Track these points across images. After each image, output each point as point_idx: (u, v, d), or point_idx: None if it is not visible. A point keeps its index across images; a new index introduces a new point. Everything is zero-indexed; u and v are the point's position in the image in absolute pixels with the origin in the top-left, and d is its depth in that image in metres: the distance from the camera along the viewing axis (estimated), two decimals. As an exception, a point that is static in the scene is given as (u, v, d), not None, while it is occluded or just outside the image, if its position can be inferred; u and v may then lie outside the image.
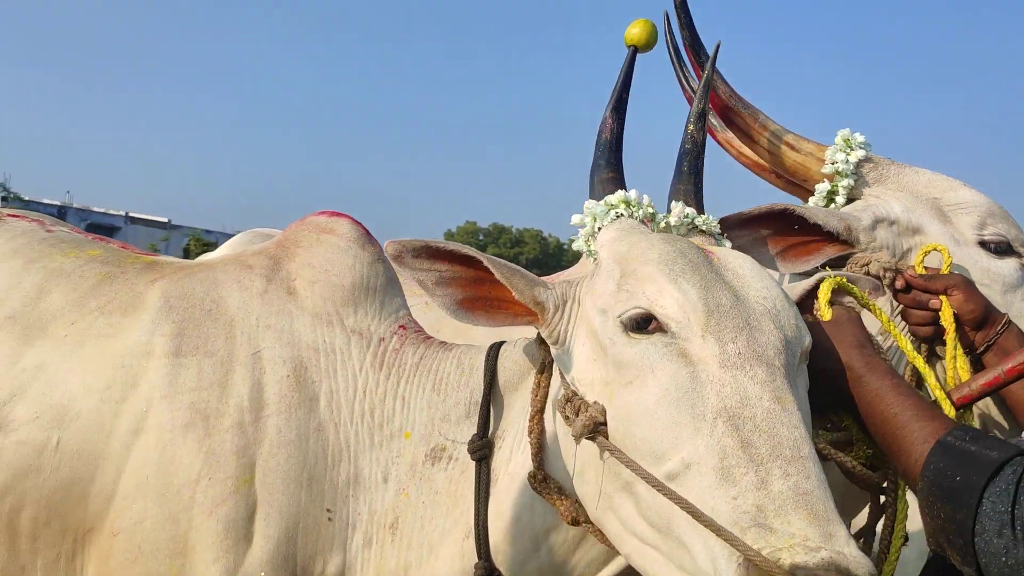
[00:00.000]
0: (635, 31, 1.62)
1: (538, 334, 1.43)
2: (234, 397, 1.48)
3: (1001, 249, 1.67)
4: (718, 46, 1.69)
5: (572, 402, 1.26)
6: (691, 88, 1.94)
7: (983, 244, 1.67)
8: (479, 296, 1.39)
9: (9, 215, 1.97)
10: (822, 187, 1.77)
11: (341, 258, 1.63)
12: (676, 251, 1.28)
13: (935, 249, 1.59)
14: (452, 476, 1.46)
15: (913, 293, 1.53)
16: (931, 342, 1.56)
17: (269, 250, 1.70)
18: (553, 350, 1.38)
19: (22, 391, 1.53)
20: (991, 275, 1.64)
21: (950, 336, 1.44)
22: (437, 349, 1.59)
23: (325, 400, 1.51)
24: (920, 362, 1.40)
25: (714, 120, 1.94)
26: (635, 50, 1.62)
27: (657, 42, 1.65)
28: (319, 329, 1.57)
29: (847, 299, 1.47)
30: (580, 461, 1.27)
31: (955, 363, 1.43)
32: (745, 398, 1.12)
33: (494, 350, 1.53)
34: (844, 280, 1.45)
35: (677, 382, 1.16)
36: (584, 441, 1.23)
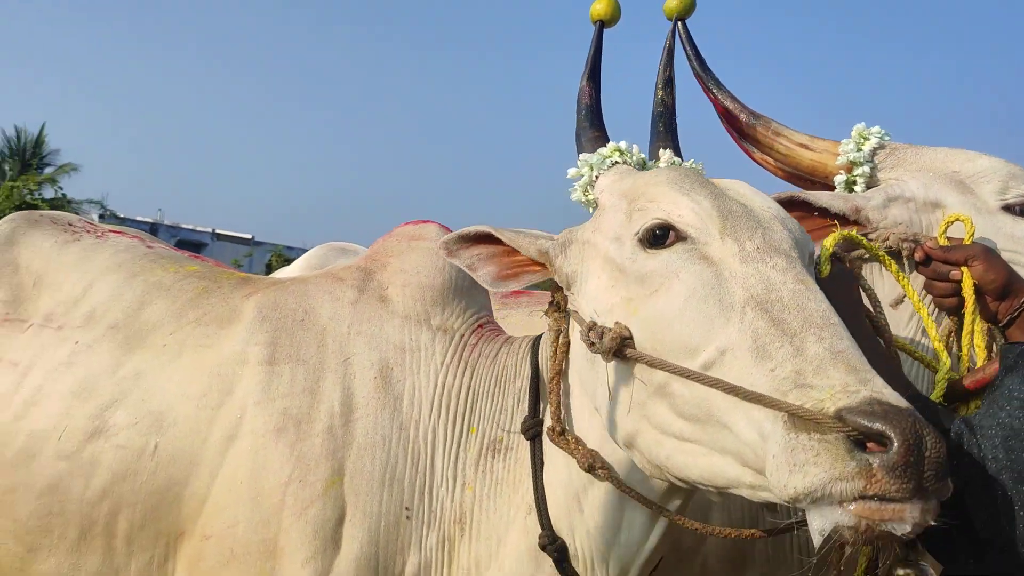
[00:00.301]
0: (599, 7, 1.75)
1: (549, 303, 1.53)
2: (325, 402, 1.55)
3: None
4: (675, 22, 1.79)
5: (595, 329, 1.29)
6: (707, 89, 2.00)
7: (1008, 208, 1.64)
8: (508, 266, 1.50)
9: (111, 231, 2.12)
10: (840, 179, 1.80)
11: (432, 260, 1.72)
12: (681, 173, 1.38)
13: (958, 219, 1.56)
14: (509, 465, 1.53)
15: (933, 265, 1.51)
16: (957, 313, 1.51)
17: (360, 264, 1.79)
18: (568, 298, 1.46)
19: (123, 397, 1.63)
20: (1017, 240, 1.62)
21: (969, 308, 1.42)
22: (505, 345, 1.67)
23: (408, 398, 1.58)
24: (929, 322, 1.44)
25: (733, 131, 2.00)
26: (601, 24, 1.75)
27: (621, 16, 1.76)
28: (407, 329, 1.64)
29: (856, 253, 1.50)
30: (610, 384, 1.31)
31: (971, 339, 1.42)
32: (770, 284, 1.16)
33: (537, 340, 1.62)
34: (854, 233, 1.49)
35: (703, 280, 1.20)
36: (612, 364, 1.28)
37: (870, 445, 0.95)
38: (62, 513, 1.61)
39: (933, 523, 0.94)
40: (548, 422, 1.45)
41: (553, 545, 1.43)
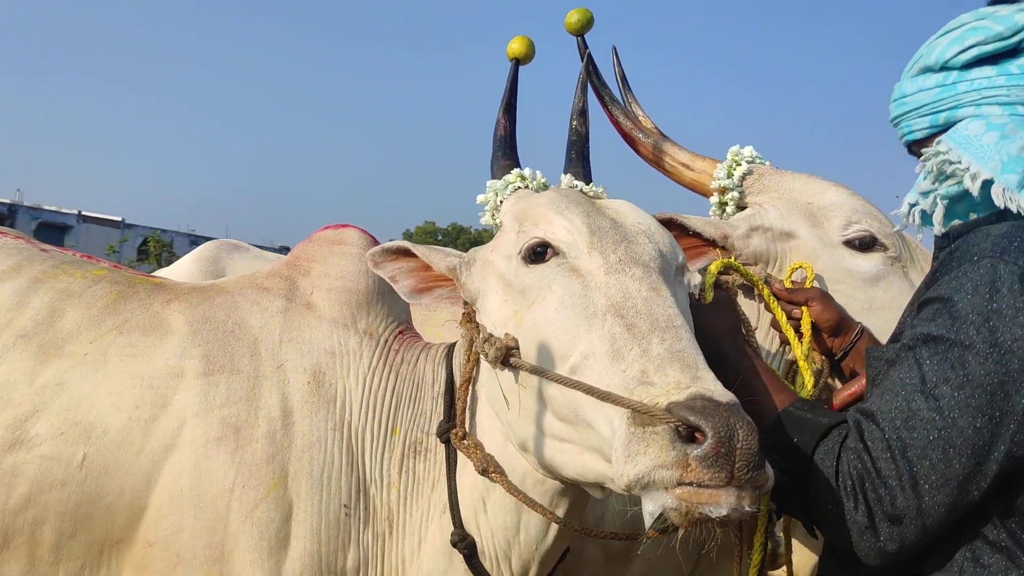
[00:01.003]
0: (514, 46, 1.87)
1: (462, 317, 1.62)
2: (263, 409, 1.60)
3: (866, 244, 1.82)
4: (588, 54, 1.92)
5: (489, 340, 1.43)
6: (612, 114, 2.14)
7: (848, 243, 1.83)
8: (424, 280, 1.61)
9: None
10: (714, 199, 1.99)
11: (355, 265, 1.80)
12: (561, 195, 1.52)
13: (800, 267, 1.78)
14: (428, 466, 1.63)
15: (780, 304, 1.72)
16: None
17: (282, 271, 1.83)
18: (473, 310, 1.57)
19: (44, 408, 1.61)
20: (852, 274, 1.81)
21: (805, 340, 1.64)
22: (424, 351, 1.76)
23: (340, 400, 1.65)
24: (791, 333, 1.63)
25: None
26: (516, 62, 1.86)
27: (535, 55, 1.87)
28: (336, 333, 1.71)
29: (732, 277, 1.68)
30: (504, 391, 1.44)
31: (803, 363, 1.60)
32: (627, 293, 1.31)
33: (452, 347, 1.72)
34: (732, 260, 1.68)
35: (571, 291, 1.35)
36: (505, 373, 1.41)
37: (697, 435, 1.09)
38: None
39: (751, 509, 1.09)
40: (456, 427, 1.57)
41: (463, 542, 1.54)
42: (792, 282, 1.79)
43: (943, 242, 1.38)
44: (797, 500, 1.29)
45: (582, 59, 1.96)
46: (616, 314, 1.29)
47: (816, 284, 1.79)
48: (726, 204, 1.96)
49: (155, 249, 17.24)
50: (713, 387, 1.15)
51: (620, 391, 1.19)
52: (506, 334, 1.42)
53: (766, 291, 1.69)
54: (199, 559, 1.52)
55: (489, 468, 1.49)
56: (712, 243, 1.79)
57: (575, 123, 1.79)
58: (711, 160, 2.01)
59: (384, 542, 1.59)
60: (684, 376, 1.17)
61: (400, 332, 1.79)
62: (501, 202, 1.64)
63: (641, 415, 1.13)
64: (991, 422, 1.12)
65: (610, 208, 1.52)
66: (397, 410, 1.67)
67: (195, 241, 38.84)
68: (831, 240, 1.85)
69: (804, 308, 1.66)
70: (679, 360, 1.19)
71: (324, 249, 1.85)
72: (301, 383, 1.63)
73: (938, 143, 1.37)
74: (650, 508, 1.11)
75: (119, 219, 37.18)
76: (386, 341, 1.74)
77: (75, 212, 36.65)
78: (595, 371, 1.25)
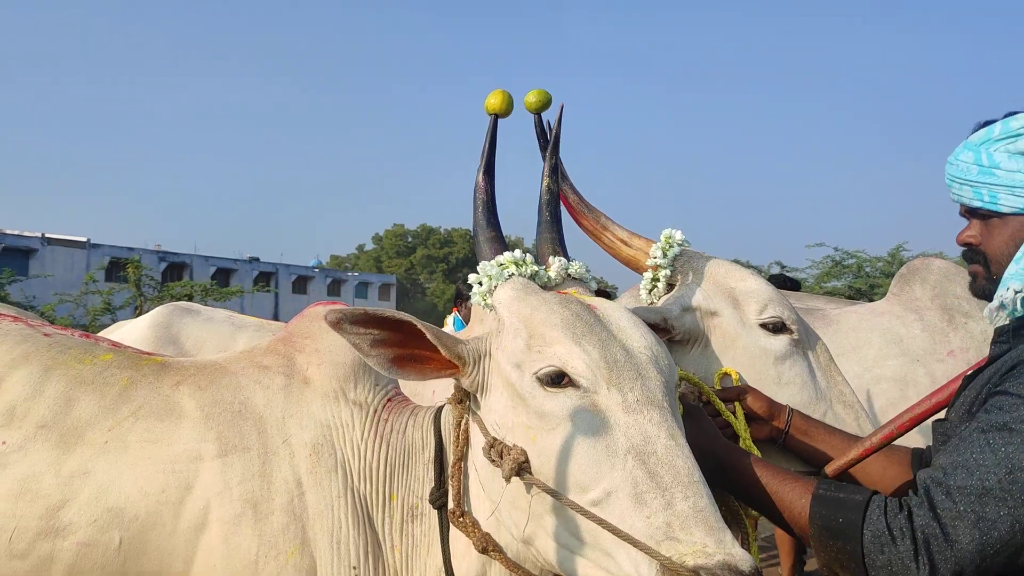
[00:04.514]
0: (493, 101, 1.85)
1: (452, 395, 1.68)
2: (276, 482, 1.71)
3: (776, 327, 2.05)
4: (561, 108, 1.99)
5: (495, 447, 1.50)
6: (562, 188, 2.24)
7: (763, 325, 2.05)
8: (408, 354, 1.59)
9: None
10: (647, 275, 2.16)
11: (341, 340, 1.79)
12: (574, 315, 1.54)
13: (727, 373, 1.99)
14: (424, 529, 1.74)
15: (711, 404, 1.90)
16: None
17: (279, 348, 1.94)
18: (476, 400, 1.62)
19: (73, 497, 1.72)
20: (765, 351, 2.03)
21: (744, 429, 1.83)
22: (411, 417, 1.82)
23: (340, 469, 1.74)
24: (741, 426, 1.81)
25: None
26: (495, 117, 1.86)
27: (514, 108, 1.91)
28: (328, 407, 1.81)
29: (684, 384, 1.84)
30: (509, 493, 1.50)
31: (754, 450, 1.80)
32: (647, 437, 1.39)
33: (439, 412, 1.80)
34: (693, 377, 1.87)
35: (593, 427, 1.42)
36: (513, 478, 1.47)
37: None
38: None
39: None
40: (450, 504, 1.67)
41: None
42: (721, 385, 1.99)
43: (1004, 336, 1.55)
44: (854, 572, 1.42)
45: (538, 135, 2.08)
46: (637, 458, 1.37)
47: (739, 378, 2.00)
48: (658, 281, 2.14)
49: (135, 275, 17.21)
50: (735, 552, 1.26)
51: (644, 538, 1.30)
52: (515, 446, 1.48)
53: (711, 393, 1.86)
54: None
55: (488, 547, 1.57)
56: (655, 326, 1.94)
57: (547, 181, 1.84)
58: (646, 239, 2.19)
59: None
60: (710, 539, 1.27)
61: (388, 400, 1.88)
62: (495, 287, 1.67)
63: (669, 571, 1.25)
64: None
65: (613, 324, 1.57)
66: (391, 478, 1.78)
67: (163, 257, 38.54)
68: (749, 321, 2.06)
69: (737, 404, 1.85)
70: (703, 521, 1.30)
71: (315, 325, 1.95)
72: (304, 455, 1.76)
73: None
74: None
75: (84, 239, 36.75)
76: (375, 411, 1.84)
77: (39, 235, 36.12)
78: (618, 511, 1.35)
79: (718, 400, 1.83)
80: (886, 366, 3.44)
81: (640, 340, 1.56)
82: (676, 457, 1.39)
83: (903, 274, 3.79)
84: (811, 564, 7.20)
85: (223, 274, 41.42)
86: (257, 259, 45.72)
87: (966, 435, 1.41)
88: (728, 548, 1.27)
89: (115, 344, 2.13)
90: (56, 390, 1.86)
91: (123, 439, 1.79)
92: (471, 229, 1.85)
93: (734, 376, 1.99)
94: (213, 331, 3.54)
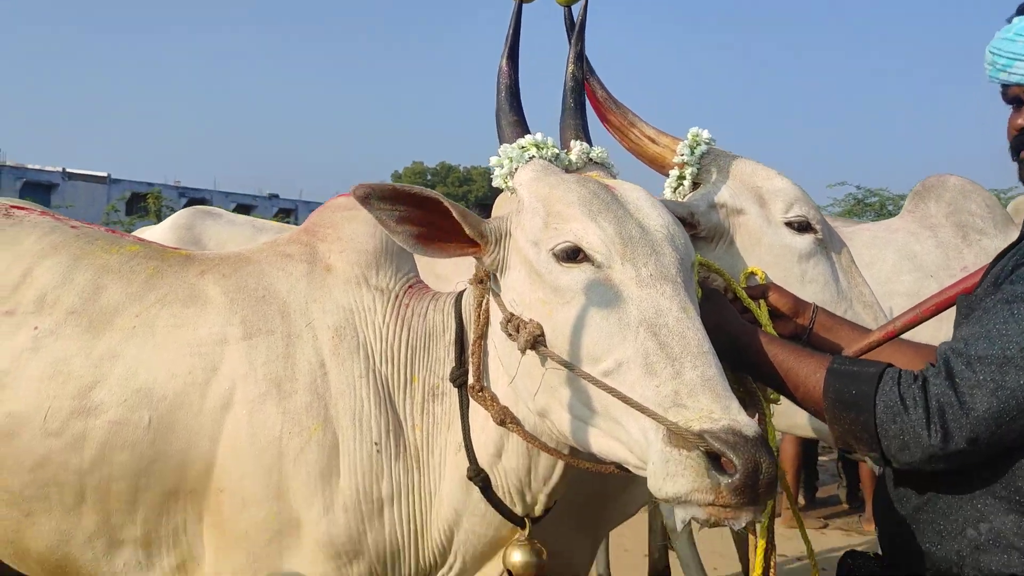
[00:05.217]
0: None
1: (473, 276, 1.72)
2: (299, 363, 1.77)
3: (802, 227, 2.07)
4: (586, 1, 1.95)
5: (512, 322, 1.54)
6: (590, 83, 2.22)
7: (788, 224, 2.07)
8: (432, 232, 1.61)
9: (12, 207, 2.15)
10: (673, 173, 2.16)
11: (363, 228, 1.92)
12: (591, 192, 1.57)
13: (753, 272, 2.00)
14: (445, 408, 1.79)
15: (738, 299, 1.89)
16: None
17: (301, 238, 1.98)
18: (496, 280, 1.65)
19: (103, 379, 1.79)
20: (790, 249, 2.06)
21: (766, 322, 1.82)
22: (432, 302, 1.87)
23: (363, 352, 1.80)
24: (765, 318, 1.81)
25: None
26: (520, 2, 1.85)
27: None
28: (350, 292, 1.86)
29: (703, 270, 1.84)
30: (524, 366, 1.56)
31: None
32: (659, 310, 1.43)
33: (459, 297, 1.86)
34: (714, 264, 1.87)
35: (607, 300, 1.46)
36: (528, 351, 1.52)
37: (723, 461, 1.28)
38: (57, 483, 1.79)
39: (762, 519, 1.33)
40: (470, 379, 1.71)
41: (478, 477, 1.72)
42: (747, 283, 2.00)
43: None
44: (868, 442, 1.44)
45: (567, 29, 2.05)
46: (649, 330, 1.41)
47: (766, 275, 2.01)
48: (684, 179, 2.14)
49: (155, 206, 17.37)
50: (740, 418, 1.29)
51: (653, 406, 1.33)
52: (532, 320, 1.52)
53: (737, 286, 1.87)
54: (262, 499, 1.73)
55: (507, 420, 1.63)
56: (681, 220, 1.97)
57: (572, 68, 1.83)
58: (673, 138, 2.18)
59: (413, 475, 1.78)
60: (716, 406, 1.30)
61: (410, 286, 1.94)
62: (515, 168, 1.70)
63: (675, 435, 1.28)
64: None
65: (631, 203, 1.59)
66: (413, 360, 1.83)
67: (183, 193, 38.67)
68: (774, 220, 2.08)
69: (762, 301, 1.85)
70: (710, 389, 1.33)
71: (337, 215, 2.00)
72: (327, 338, 1.81)
73: None
74: (681, 515, 1.30)
75: (105, 175, 36.92)
76: (397, 296, 1.89)
77: (59, 169, 36.32)
78: (628, 380, 1.39)
79: (743, 292, 1.84)
80: (900, 282, 3.45)
81: (657, 219, 1.58)
82: (687, 329, 1.41)
83: (918, 191, 3.76)
84: (823, 491, 7.32)
85: (243, 210, 41.23)
86: (277, 196, 45.82)
87: (990, 306, 1.41)
88: (734, 415, 1.30)
89: (140, 239, 2.17)
90: (85, 278, 1.92)
91: (150, 324, 1.84)
92: (494, 115, 1.83)
93: (760, 275, 2.00)
94: (235, 233, 3.58)
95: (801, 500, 6.76)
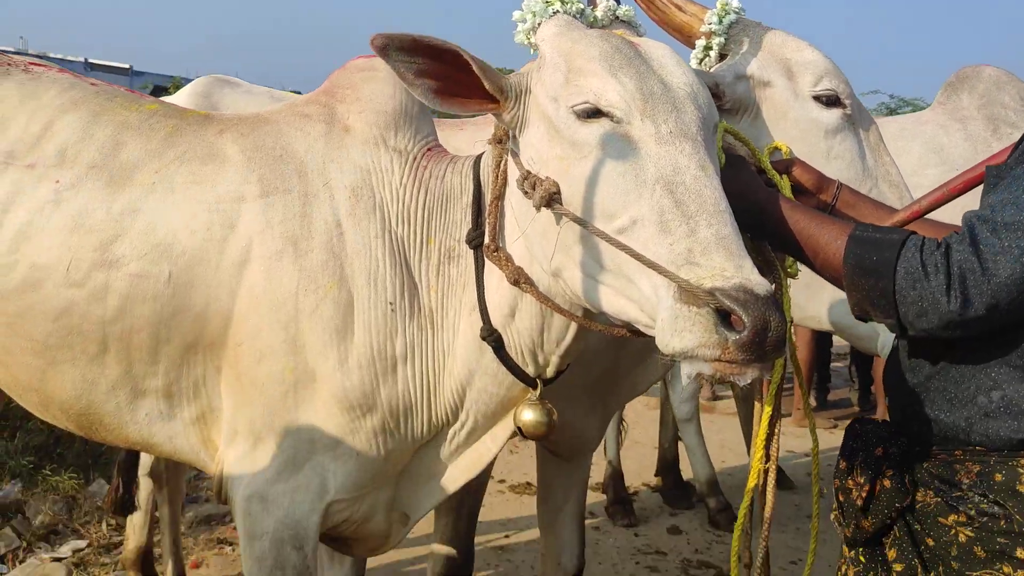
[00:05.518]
0: None
1: (492, 135, 1.70)
2: (315, 222, 1.78)
3: (831, 101, 2.00)
4: None
5: (529, 179, 1.52)
6: None
7: (816, 98, 2.00)
8: (452, 87, 1.58)
9: (30, 63, 2.15)
10: (700, 43, 2.08)
11: (383, 88, 1.90)
12: (613, 48, 1.53)
13: (777, 147, 1.91)
14: (460, 270, 1.81)
15: (762, 174, 1.82)
16: None
17: (320, 99, 1.96)
18: (514, 139, 1.63)
19: (124, 233, 1.82)
20: (817, 124, 2.00)
21: (789, 194, 1.73)
22: (450, 164, 1.86)
23: (379, 212, 1.80)
24: (787, 192, 1.76)
25: None
26: None
27: None
28: (368, 152, 1.85)
29: (727, 137, 1.79)
30: (540, 226, 1.55)
31: None
32: (677, 168, 1.40)
33: (477, 159, 1.83)
34: (736, 131, 1.80)
35: (624, 156, 1.43)
36: (543, 209, 1.51)
37: (733, 318, 1.26)
38: (80, 332, 1.84)
39: (768, 375, 1.31)
40: (486, 240, 1.72)
41: (491, 337, 1.74)
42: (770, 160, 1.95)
43: None
44: (884, 309, 1.42)
45: None
46: (665, 187, 1.38)
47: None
48: (711, 49, 2.07)
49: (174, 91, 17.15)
50: (753, 277, 1.27)
51: (666, 263, 1.31)
52: (548, 177, 1.50)
53: (761, 156, 1.82)
54: (278, 353, 1.77)
55: (520, 280, 1.63)
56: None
57: None
58: (701, 6, 2.10)
59: (427, 335, 1.81)
60: (728, 264, 1.28)
61: (428, 149, 1.92)
62: (539, 23, 1.66)
63: (686, 292, 1.27)
64: None
65: (654, 60, 1.55)
66: (429, 222, 1.83)
67: (205, 87, 38.14)
68: (802, 93, 2.01)
69: (785, 175, 1.79)
70: (724, 247, 1.31)
71: (356, 76, 1.97)
72: (344, 197, 1.82)
73: None
74: (688, 370, 1.30)
75: (127, 66, 36.49)
76: (415, 158, 1.88)
77: (82, 60, 35.90)
78: (642, 238, 1.37)
79: (768, 162, 1.80)
80: (925, 175, 3.37)
81: (680, 76, 1.55)
82: (704, 187, 1.39)
83: (951, 82, 3.64)
84: (834, 395, 7.40)
85: (265, 106, 41.11)
86: (299, 92, 45.27)
87: (1019, 173, 1.37)
88: (746, 273, 1.28)
89: (159, 100, 2.17)
90: (105, 134, 1.93)
91: (169, 180, 1.86)
92: None
93: (784, 150, 1.94)
94: (252, 102, 3.55)
95: (813, 402, 6.86)
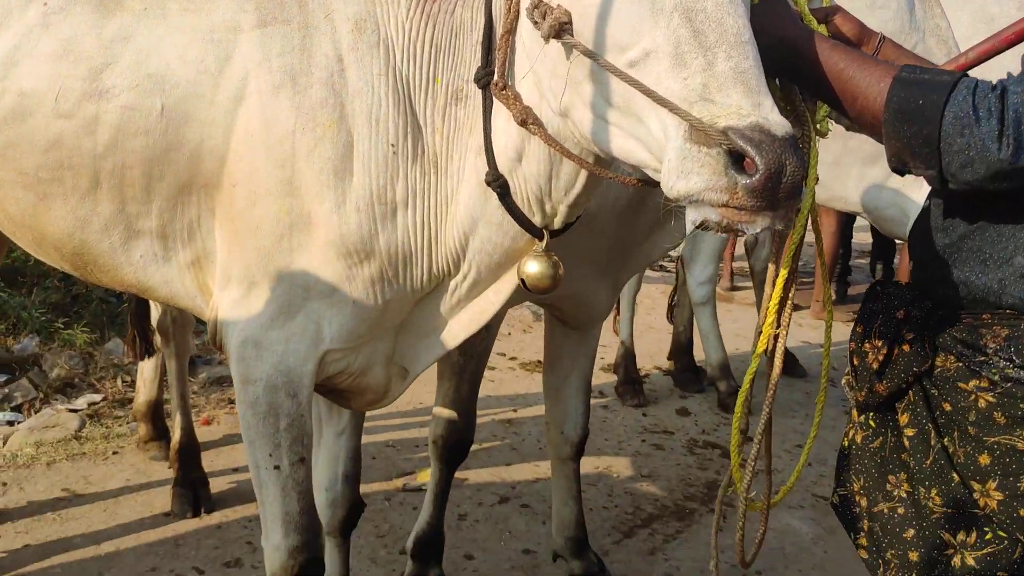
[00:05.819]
0: None
1: None
2: (316, 57, 1.67)
3: None
4: None
5: (539, 7, 1.41)
6: None
7: None
8: None
9: None
10: None
11: None
12: None
13: None
14: (468, 111, 1.70)
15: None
16: None
17: None
18: None
19: (115, 61, 1.72)
20: None
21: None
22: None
23: (383, 47, 1.69)
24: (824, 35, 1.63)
25: None
26: None
27: None
28: None
29: None
30: (550, 63, 1.45)
31: None
32: None
33: None
34: None
35: None
36: (552, 43, 1.40)
37: (746, 162, 1.15)
38: (71, 166, 1.77)
39: (781, 227, 1.20)
40: (495, 77, 1.59)
41: (496, 182, 1.64)
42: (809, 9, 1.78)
43: None
44: (926, 158, 1.31)
45: None
46: (684, 15, 1.26)
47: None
48: None
49: None
50: (771, 117, 1.17)
51: (679, 100, 1.20)
52: (559, 6, 1.39)
53: (802, 3, 1.66)
54: (274, 194, 1.69)
55: (528, 120, 1.53)
56: None
57: None
58: None
59: (430, 179, 1.72)
60: (746, 101, 1.18)
61: None
62: None
63: (697, 132, 1.17)
64: None
65: None
66: (437, 59, 1.72)
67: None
68: None
69: (824, 25, 1.64)
70: (743, 83, 1.20)
71: None
72: (346, 31, 1.70)
73: None
74: (693, 216, 1.21)
75: None
76: None
77: None
78: (655, 72, 1.26)
79: (806, 7, 1.65)
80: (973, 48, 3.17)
81: None
82: (726, 15, 1.25)
83: None
84: (854, 290, 7.29)
85: None
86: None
87: None
88: (765, 112, 1.18)
89: None
90: None
91: (162, 6, 1.75)
92: None
93: (824, 1, 1.80)
94: None
95: (832, 295, 6.78)
